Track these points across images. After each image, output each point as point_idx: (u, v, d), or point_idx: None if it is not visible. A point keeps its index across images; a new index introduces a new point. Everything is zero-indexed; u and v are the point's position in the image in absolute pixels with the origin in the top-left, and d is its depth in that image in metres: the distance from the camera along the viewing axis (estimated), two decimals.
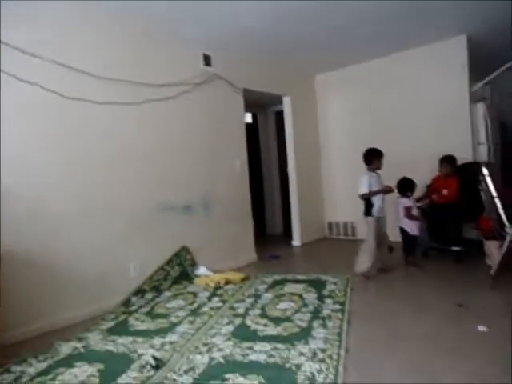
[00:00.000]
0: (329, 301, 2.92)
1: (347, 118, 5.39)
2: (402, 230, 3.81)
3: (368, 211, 3.50)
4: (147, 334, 2.54)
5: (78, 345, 2.42)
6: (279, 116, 5.75)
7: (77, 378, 2.02)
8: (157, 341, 2.41)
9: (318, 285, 3.31)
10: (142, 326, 2.68)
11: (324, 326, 2.47)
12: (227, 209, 4.19)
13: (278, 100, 5.33)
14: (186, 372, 2.01)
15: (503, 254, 2.87)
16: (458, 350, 2.06)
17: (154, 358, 2.15)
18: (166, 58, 3.68)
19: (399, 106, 4.86)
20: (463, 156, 4.17)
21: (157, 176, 3.54)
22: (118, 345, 2.39)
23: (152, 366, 2.08)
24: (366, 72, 5.11)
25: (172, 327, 2.63)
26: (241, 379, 1.90)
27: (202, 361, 2.12)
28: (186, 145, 3.83)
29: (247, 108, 5.75)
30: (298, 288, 3.26)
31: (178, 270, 3.62)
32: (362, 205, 3.57)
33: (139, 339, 2.46)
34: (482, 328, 2.28)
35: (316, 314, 2.67)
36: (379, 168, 3.54)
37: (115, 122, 3.26)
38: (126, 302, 3.14)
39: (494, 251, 3.28)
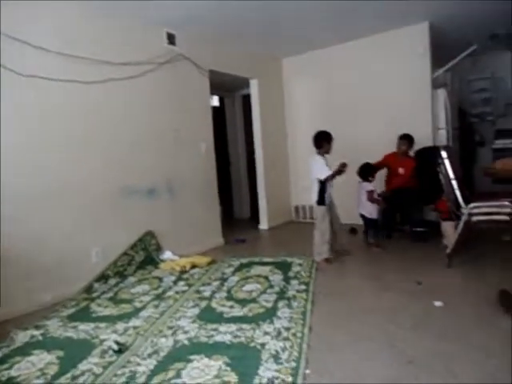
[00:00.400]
0: (294, 282, 2.96)
1: (313, 102, 5.41)
2: (362, 215, 3.91)
3: (321, 200, 3.45)
4: (110, 319, 2.49)
5: (36, 332, 2.33)
6: (246, 100, 5.69)
7: (35, 366, 1.95)
8: (120, 326, 2.37)
9: (283, 267, 3.34)
10: (105, 312, 2.62)
11: (289, 305, 2.50)
12: (193, 193, 4.13)
13: (245, 84, 5.26)
14: (149, 355, 1.98)
15: (459, 233, 3.00)
16: (416, 324, 2.15)
17: (117, 342, 2.10)
18: (129, 35, 3.52)
19: (363, 91, 4.93)
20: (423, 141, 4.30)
21: (120, 158, 3.43)
22: (79, 331, 2.32)
23: (114, 351, 2.04)
24: (332, 57, 5.12)
25: (136, 312, 2.58)
26: (205, 360, 1.90)
27: (166, 344, 2.10)
28: (150, 126, 3.72)
29: (214, 91, 5.65)
30: (264, 270, 3.29)
31: (143, 254, 3.54)
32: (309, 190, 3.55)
33: (101, 325, 2.40)
34: (438, 303, 2.39)
35: (281, 295, 2.70)
36: (328, 152, 3.46)
37: (74, 102, 3.10)
38: (89, 288, 3.05)
39: (449, 231, 3.43)
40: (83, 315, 2.59)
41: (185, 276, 3.29)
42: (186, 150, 4.09)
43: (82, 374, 1.85)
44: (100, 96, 3.27)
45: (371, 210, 3.83)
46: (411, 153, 4.14)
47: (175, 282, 3.15)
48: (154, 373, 1.82)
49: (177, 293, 2.91)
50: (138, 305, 2.71)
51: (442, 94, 4.54)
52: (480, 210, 2.91)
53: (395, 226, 4.35)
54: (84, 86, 3.14)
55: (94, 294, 2.96)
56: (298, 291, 2.76)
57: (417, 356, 1.82)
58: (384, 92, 4.75)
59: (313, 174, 3.46)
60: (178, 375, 1.78)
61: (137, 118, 3.59)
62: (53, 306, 2.79)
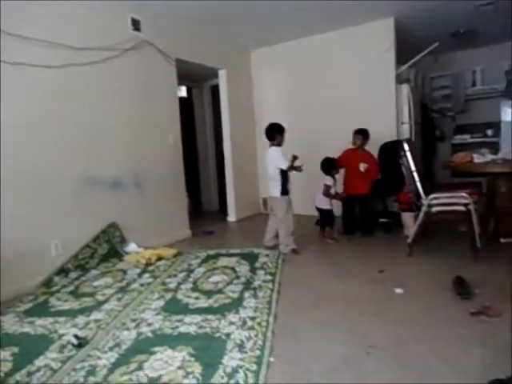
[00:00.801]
0: (261, 272, 2.98)
1: (281, 95, 5.42)
2: (317, 208, 3.95)
3: (285, 190, 3.45)
4: (70, 313, 2.40)
5: None
6: (215, 91, 5.62)
7: None
8: (80, 320, 2.29)
9: (250, 258, 3.35)
10: (65, 306, 2.52)
11: (255, 296, 2.51)
12: (160, 184, 4.05)
13: (214, 74, 5.19)
14: (111, 349, 1.93)
15: (419, 223, 3.12)
16: (378, 310, 2.22)
17: (77, 336, 2.04)
18: (91, 18, 3.37)
19: (329, 85, 4.98)
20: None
21: (83, 148, 3.29)
22: (36, 326, 2.23)
23: (74, 345, 1.97)
24: (299, 50, 5.14)
25: (98, 305, 2.50)
26: (169, 351, 1.87)
27: (129, 336, 2.05)
28: (115, 115, 3.59)
29: (181, 81, 5.54)
30: (231, 261, 3.28)
31: (106, 247, 3.44)
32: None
33: (61, 319, 2.31)
34: (398, 290, 2.47)
35: (248, 286, 2.70)
36: (281, 144, 3.48)
37: (34, 86, 2.95)
38: (48, 282, 2.93)
39: (409, 222, 3.56)
40: (41, 310, 2.48)
41: (150, 268, 3.23)
42: (153, 140, 4.00)
43: (38, 369, 1.77)
44: (60, 81, 3.12)
45: (325, 202, 3.85)
46: (367, 147, 4.19)
47: (140, 275, 3.08)
48: (115, 366, 1.78)
49: (141, 285, 2.85)
50: (100, 298, 2.63)
51: (405, 89, 4.67)
52: (439, 201, 3.02)
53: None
54: (43, 71, 2.99)
55: (54, 288, 2.85)
56: (264, 281, 2.77)
57: (378, 340, 1.88)
58: (350, 86, 4.83)
59: (272, 165, 3.46)
60: (140, 367, 1.74)
61: (101, 106, 3.46)
62: (9, 301, 2.66)
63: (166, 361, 1.79)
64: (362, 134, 4.12)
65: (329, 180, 3.84)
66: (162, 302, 2.50)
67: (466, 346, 1.78)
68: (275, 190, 3.47)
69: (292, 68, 5.26)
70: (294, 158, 3.34)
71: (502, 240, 3.35)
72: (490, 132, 5.49)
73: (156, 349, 1.90)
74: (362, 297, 2.43)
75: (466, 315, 2.07)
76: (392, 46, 4.55)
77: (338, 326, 2.05)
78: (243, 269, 3.07)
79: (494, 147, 3.88)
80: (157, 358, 1.81)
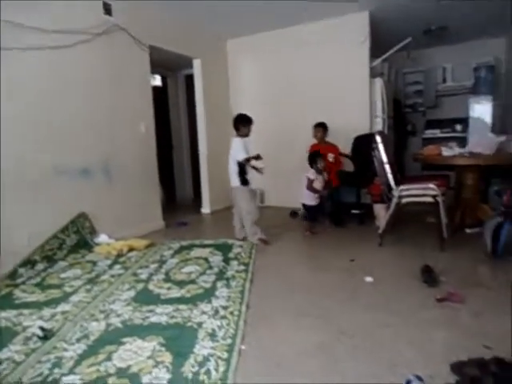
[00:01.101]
0: (234, 262, 2.97)
1: (257, 85, 5.40)
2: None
3: (244, 180, 3.44)
4: (35, 305, 2.32)
5: None
6: (190, 80, 5.52)
7: None
8: (46, 312, 2.22)
9: (224, 248, 3.33)
10: (30, 298, 2.43)
11: (228, 285, 2.50)
12: (131, 173, 3.95)
13: (189, 63, 5.10)
14: (78, 340, 1.88)
15: (390, 214, 3.19)
16: (349, 297, 2.26)
17: (42, 328, 1.97)
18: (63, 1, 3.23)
19: (304, 77, 5.00)
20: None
21: (50, 135, 3.17)
22: None
23: (39, 337, 1.91)
24: (276, 41, 5.13)
25: (65, 297, 2.43)
26: (139, 341, 1.84)
27: (97, 328, 2.00)
28: (85, 101, 3.47)
29: (156, 69, 5.43)
30: (204, 252, 3.25)
31: (75, 238, 3.33)
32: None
33: (25, 311, 2.23)
34: (368, 279, 2.52)
35: (221, 276, 2.69)
36: (247, 135, 3.46)
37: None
38: (12, 274, 2.81)
39: (381, 213, 3.64)
40: (5, 302, 2.38)
41: (121, 259, 3.16)
42: (125, 129, 3.89)
43: (1, 362, 1.70)
44: (24, 65, 2.98)
45: (309, 198, 3.83)
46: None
47: (111, 266, 3.01)
48: (82, 357, 1.73)
49: (112, 276, 2.78)
50: (67, 290, 2.55)
51: (379, 82, 4.74)
52: (409, 193, 3.10)
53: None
54: (18, 53, 2.85)
55: (19, 280, 2.74)
56: (237, 271, 2.77)
57: (348, 326, 1.91)
58: (325, 78, 4.86)
59: (231, 155, 3.47)
60: (108, 358, 1.71)
61: (70, 91, 3.33)
62: None
63: (136, 351, 1.76)
64: (323, 127, 4.19)
65: (312, 174, 3.77)
66: (132, 293, 2.45)
67: (432, 331, 1.84)
68: (235, 180, 3.47)
69: (268, 59, 5.24)
70: (257, 157, 3.38)
71: (468, 231, 3.48)
72: (458, 127, 5.66)
73: (125, 339, 1.86)
74: (334, 285, 2.47)
75: (432, 301, 2.13)
76: (366, 39, 4.61)
77: (309, 314, 2.07)
78: (216, 259, 3.06)
79: (463, 142, 4.00)
80: (126, 349, 1.78)
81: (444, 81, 6.23)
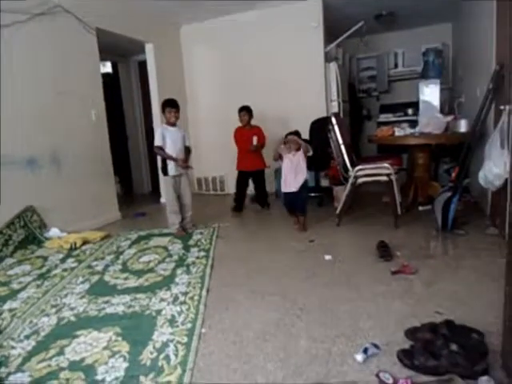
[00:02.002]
0: (194, 249, 2.92)
1: (212, 71, 5.29)
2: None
3: (164, 170, 3.32)
4: None
5: None
6: (143, 67, 5.32)
7: None
8: None
9: (183, 236, 3.27)
10: None
11: (188, 272, 2.46)
12: (83, 163, 3.76)
13: (141, 49, 4.90)
14: (27, 337, 1.78)
15: (346, 194, 3.25)
16: (308, 276, 2.28)
17: None
18: None
19: (260, 62, 4.95)
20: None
21: None
22: None
23: None
24: (231, 26, 5.02)
25: (13, 294, 2.29)
26: (94, 333, 1.76)
27: (48, 323, 1.90)
28: (28, 86, 3.24)
29: (106, 55, 5.18)
30: (163, 241, 3.17)
31: (23, 233, 3.14)
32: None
33: None
34: (328, 257, 2.56)
35: (181, 263, 2.64)
36: (170, 121, 3.32)
37: None
38: None
39: (340, 195, 3.70)
40: None
41: (75, 253, 3.02)
42: (74, 116, 3.69)
43: None
44: None
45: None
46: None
47: (63, 260, 2.86)
48: (31, 354, 1.64)
49: (64, 270, 2.65)
50: (15, 287, 2.40)
51: (333, 67, 4.79)
52: (364, 172, 3.17)
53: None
54: None
55: None
56: (197, 258, 2.72)
57: (307, 303, 1.93)
58: (281, 63, 4.85)
59: None
60: (60, 353, 1.62)
61: (10, 75, 3.09)
62: None
63: (91, 343, 1.68)
64: (248, 111, 4.09)
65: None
66: (87, 286, 2.35)
67: (388, 302, 1.89)
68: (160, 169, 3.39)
69: (223, 45, 5.14)
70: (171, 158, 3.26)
71: (420, 208, 3.62)
72: (410, 111, 5.85)
73: (79, 332, 1.78)
74: (293, 265, 2.49)
75: (387, 274, 2.20)
76: (320, 24, 4.63)
77: (269, 294, 2.07)
78: (176, 247, 2.99)
79: (414, 125, 4.14)
80: (80, 342, 1.70)
81: (396, 66, 6.41)
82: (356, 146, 5.99)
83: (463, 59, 4.87)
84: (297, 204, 3.27)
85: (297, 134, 3.74)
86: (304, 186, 3.20)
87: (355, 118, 6.11)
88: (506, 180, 2.52)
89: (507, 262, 1.32)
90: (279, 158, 3.26)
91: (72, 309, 2.04)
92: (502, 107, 2.62)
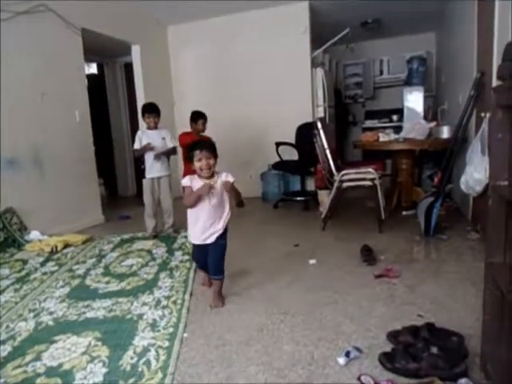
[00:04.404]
0: (178, 253, 2.89)
1: (201, 74, 5.27)
2: None
3: (142, 172, 3.35)
4: None
5: None
6: (129, 69, 5.27)
7: None
8: None
9: (168, 240, 3.23)
10: None
11: (171, 275, 2.43)
12: (66, 165, 3.69)
13: (127, 50, 4.86)
14: (3, 342, 1.72)
15: (331, 198, 3.27)
16: (292, 280, 2.28)
17: None
18: None
19: (247, 66, 4.96)
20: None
21: None
22: None
23: None
24: (217, 28, 5.01)
25: None
26: (73, 338, 1.72)
27: (25, 327, 1.85)
28: (9, 85, 3.17)
29: (91, 56, 5.13)
30: (147, 244, 3.13)
31: (2, 235, 3.06)
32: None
33: None
34: (312, 261, 2.57)
35: (164, 266, 2.60)
36: (148, 125, 3.29)
37: None
38: None
39: (324, 199, 3.72)
40: None
41: (55, 256, 2.95)
42: (58, 117, 3.63)
43: None
44: None
45: None
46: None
47: (43, 263, 2.80)
48: (7, 360, 1.59)
49: (44, 274, 2.59)
50: None
51: (320, 72, 4.84)
52: (349, 177, 3.20)
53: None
54: None
55: None
56: (181, 261, 2.69)
57: (291, 307, 1.93)
58: (268, 67, 4.87)
59: None
60: (37, 358, 1.58)
61: None
62: None
63: (69, 348, 1.65)
64: (205, 118, 3.76)
65: None
66: (67, 289, 2.30)
67: (370, 305, 1.90)
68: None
69: (211, 47, 5.14)
70: (148, 148, 3.20)
71: (404, 213, 3.67)
72: (395, 117, 5.95)
73: (58, 337, 1.74)
74: (278, 269, 2.48)
75: (370, 278, 2.22)
76: (307, 29, 4.67)
77: (253, 298, 2.06)
78: (160, 251, 2.96)
79: (399, 131, 4.20)
80: (58, 347, 1.66)
81: (381, 73, 6.52)
82: (341, 150, 6.05)
83: (446, 67, 4.97)
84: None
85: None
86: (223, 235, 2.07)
87: (341, 123, 6.18)
88: (487, 185, 2.57)
89: (486, 266, 1.34)
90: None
91: (51, 313, 1.99)
92: (482, 114, 2.68)
